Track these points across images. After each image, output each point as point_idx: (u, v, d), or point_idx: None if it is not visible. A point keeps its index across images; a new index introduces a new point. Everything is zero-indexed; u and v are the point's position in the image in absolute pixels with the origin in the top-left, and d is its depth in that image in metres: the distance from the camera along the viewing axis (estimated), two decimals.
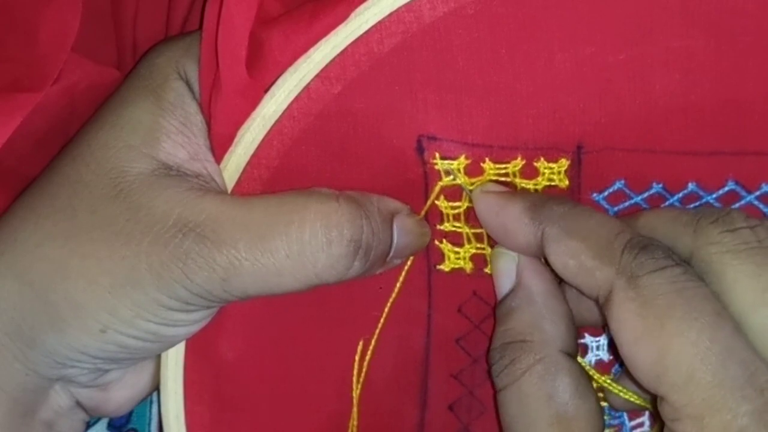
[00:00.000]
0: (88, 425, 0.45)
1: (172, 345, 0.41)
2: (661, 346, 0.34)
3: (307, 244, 0.37)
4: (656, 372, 0.34)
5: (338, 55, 0.39)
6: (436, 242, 0.41)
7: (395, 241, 0.40)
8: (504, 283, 0.40)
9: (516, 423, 0.37)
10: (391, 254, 0.40)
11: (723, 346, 0.33)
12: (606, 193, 0.40)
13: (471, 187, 0.40)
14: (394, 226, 0.40)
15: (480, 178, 0.40)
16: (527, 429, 0.37)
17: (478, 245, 0.41)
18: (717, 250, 0.36)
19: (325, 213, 0.38)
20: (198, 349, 0.41)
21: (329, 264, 0.37)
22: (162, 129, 0.40)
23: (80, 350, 0.39)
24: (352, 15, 0.38)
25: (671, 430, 0.34)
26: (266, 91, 0.39)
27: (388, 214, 0.40)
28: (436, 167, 0.40)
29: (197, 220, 0.37)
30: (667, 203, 0.40)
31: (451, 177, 0.40)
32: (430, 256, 0.42)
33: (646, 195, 0.40)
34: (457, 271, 0.42)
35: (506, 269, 0.40)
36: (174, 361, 0.41)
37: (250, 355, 0.42)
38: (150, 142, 0.39)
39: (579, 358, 0.39)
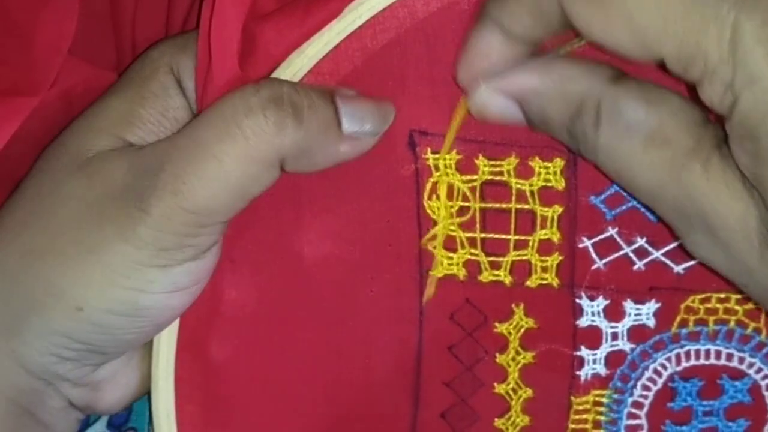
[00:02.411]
0: (88, 424, 0.45)
1: (156, 325, 0.40)
2: (626, 17, 0.32)
3: (230, 120, 0.36)
4: (640, 41, 0.32)
5: (331, 50, 0.38)
6: (429, 247, 0.41)
7: (341, 108, 0.38)
8: (513, 113, 0.37)
9: (621, 173, 0.35)
10: (344, 123, 0.38)
11: None
12: (603, 196, 0.40)
13: (462, 185, 0.40)
14: (337, 97, 0.38)
15: (472, 176, 0.40)
16: (631, 169, 0.35)
17: (472, 251, 0.41)
18: None
19: (243, 91, 0.37)
20: (189, 347, 0.41)
21: (258, 128, 0.36)
22: (138, 116, 0.40)
23: (61, 333, 0.38)
24: (346, 10, 0.38)
25: (696, 84, 0.32)
26: None
27: (325, 90, 0.38)
28: (428, 162, 0.39)
29: (146, 161, 0.37)
30: None
31: (441, 170, 0.39)
32: (422, 260, 0.41)
33: None
34: (450, 278, 0.41)
35: (501, 106, 0.37)
36: (165, 360, 0.41)
37: (242, 355, 0.42)
38: (121, 125, 0.40)
39: None
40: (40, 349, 0.39)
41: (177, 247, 0.38)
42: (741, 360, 0.42)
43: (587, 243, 0.40)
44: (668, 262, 0.40)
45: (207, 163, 0.36)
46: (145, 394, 0.43)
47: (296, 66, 0.39)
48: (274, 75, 0.39)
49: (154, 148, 0.38)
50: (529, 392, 0.42)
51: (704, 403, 0.42)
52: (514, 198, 0.40)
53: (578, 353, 0.42)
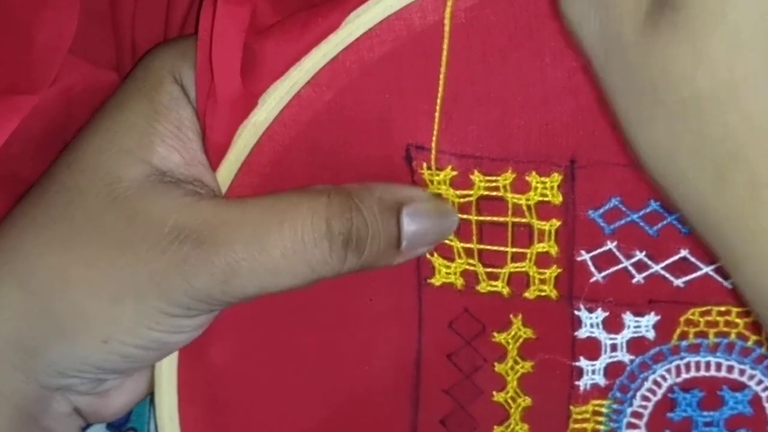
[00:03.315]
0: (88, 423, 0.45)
1: (174, 350, 0.41)
2: None
3: (299, 241, 0.37)
4: None
5: (329, 62, 0.38)
6: (427, 255, 0.41)
7: (404, 229, 0.39)
8: None
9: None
10: (404, 244, 0.39)
11: None
12: (602, 210, 0.39)
13: (457, 200, 0.39)
14: (404, 214, 0.39)
15: (467, 191, 0.39)
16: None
17: (470, 261, 0.40)
18: None
19: (315, 208, 0.38)
20: (191, 351, 0.41)
21: (322, 259, 0.37)
22: (156, 133, 0.39)
23: (83, 361, 0.39)
24: (344, 23, 0.38)
25: None
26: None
27: (393, 202, 0.39)
28: (424, 177, 0.39)
29: (193, 225, 0.37)
30: (665, 222, 0.39)
31: (434, 185, 0.39)
32: (420, 269, 0.41)
33: (642, 212, 0.39)
34: (447, 286, 0.41)
35: None
36: (168, 363, 0.41)
37: (243, 359, 0.42)
38: (144, 146, 0.39)
39: None
40: (59, 370, 0.39)
41: (209, 310, 0.39)
42: (742, 372, 0.42)
43: (586, 256, 0.40)
44: (668, 275, 0.40)
45: (267, 275, 0.37)
46: (147, 397, 0.44)
47: (294, 78, 0.38)
48: (272, 87, 0.39)
49: (205, 214, 0.38)
50: (528, 401, 0.42)
51: (704, 413, 0.42)
52: (510, 212, 0.40)
53: (577, 363, 0.42)
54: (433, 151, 0.39)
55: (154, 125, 0.39)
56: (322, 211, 0.38)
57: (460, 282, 0.41)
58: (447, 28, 0.37)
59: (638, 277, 0.40)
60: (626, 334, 0.41)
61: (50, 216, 0.39)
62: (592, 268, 0.40)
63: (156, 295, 0.37)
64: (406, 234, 0.39)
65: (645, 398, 0.42)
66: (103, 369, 0.39)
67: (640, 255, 0.40)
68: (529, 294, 0.41)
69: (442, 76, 0.38)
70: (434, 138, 0.39)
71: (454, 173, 0.39)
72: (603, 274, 0.40)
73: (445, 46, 0.37)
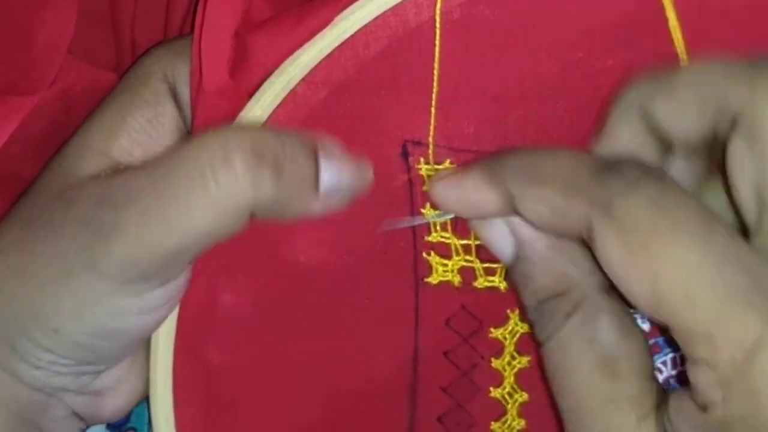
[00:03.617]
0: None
1: (135, 341, 0.40)
2: (651, 275, 0.31)
3: (205, 165, 0.35)
4: (654, 302, 0.31)
5: (324, 58, 0.38)
6: (424, 254, 0.41)
7: (320, 163, 0.37)
8: (503, 249, 0.37)
9: (559, 373, 0.35)
10: (322, 181, 0.37)
11: (717, 257, 0.30)
12: None
13: None
14: (320, 155, 0.37)
15: None
16: (571, 378, 0.34)
17: (467, 258, 0.41)
18: None
19: (223, 134, 0.36)
20: (187, 352, 0.41)
21: (232, 178, 0.35)
22: (124, 125, 0.39)
23: (46, 350, 0.38)
24: (337, 19, 0.38)
25: (688, 356, 0.31)
26: (250, 93, 0.39)
27: (310, 142, 0.37)
28: (421, 173, 0.39)
29: (111, 192, 0.37)
30: None
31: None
32: (417, 268, 0.41)
33: None
34: (445, 284, 0.41)
35: (499, 236, 0.37)
36: (163, 365, 0.41)
37: (239, 359, 0.42)
38: (108, 139, 0.39)
39: None
40: (32, 363, 0.39)
41: (142, 280, 0.37)
42: None
43: None
44: None
45: (175, 211, 0.35)
46: (146, 397, 0.43)
47: (289, 74, 0.38)
48: (267, 83, 0.39)
49: (124, 179, 0.37)
50: (525, 396, 0.42)
51: None
52: None
53: None
54: (431, 146, 0.39)
55: (126, 118, 0.40)
56: (230, 133, 0.36)
57: (457, 279, 0.41)
58: (438, 25, 0.37)
59: None
60: None
61: (15, 215, 0.40)
62: None
63: (85, 270, 0.36)
64: (324, 170, 0.37)
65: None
66: (71, 359, 0.39)
67: None
68: None
69: (436, 72, 0.38)
70: (431, 133, 0.39)
71: (453, 167, 0.39)
72: None
73: (437, 42, 0.38)
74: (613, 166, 0.32)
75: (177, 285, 0.39)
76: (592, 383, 0.34)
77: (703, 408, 0.31)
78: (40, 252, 0.38)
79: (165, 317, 0.40)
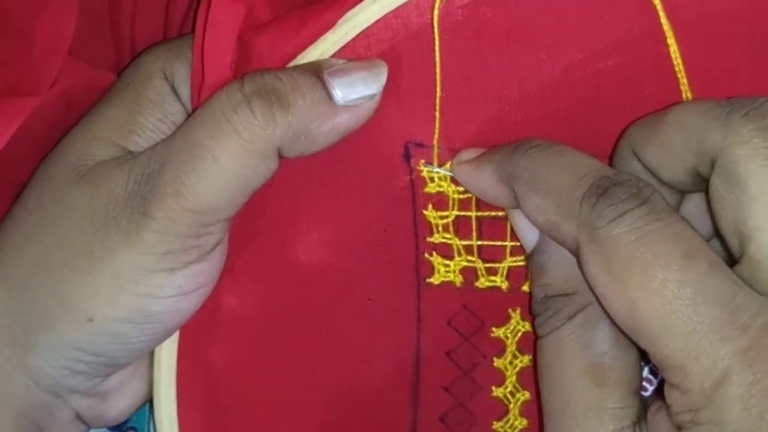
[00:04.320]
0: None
1: (166, 330, 0.40)
2: (630, 301, 0.32)
3: (220, 117, 0.37)
4: (632, 327, 0.32)
5: None
6: (426, 255, 0.41)
7: (330, 82, 0.37)
8: (527, 236, 0.38)
9: (549, 370, 0.36)
10: (338, 94, 0.38)
11: (694, 289, 0.31)
12: None
13: (457, 196, 0.40)
14: (324, 73, 0.38)
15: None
16: (560, 377, 0.35)
17: (469, 258, 0.41)
18: (744, 152, 0.32)
19: (228, 88, 0.37)
20: (190, 355, 0.41)
21: (247, 121, 0.36)
22: (138, 125, 0.40)
23: (74, 345, 0.38)
24: (340, 21, 0.38)
25: (664, 378, 0.33)
26: None
27: (310, 66, 0.38)
28: (423, 174, 0.39)
29: (145, 166, 0.38)
30: None
31: (435, 182, 0.39)
32: (419, 269, 0.41)
33: None
34: (447, 284, 0.41)
35: (525, 222, 0.37)
36: (167, 367, 0.41)
37: (242, 362, 0.42)
38: (121, 134, 0.40)
39: None
40: (53, 363, 0.39)
41: (182, 249, 0.38)
42: None
43: None
44: None
45: (204, 161, 0.37)
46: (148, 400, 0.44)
47: None
48: None
49: (151, 152, 0.38)
50: (527, 395, 0.43)
51: None
52: None
53: None
54: (435, 148, 0.39)
55: (136, 117, 0.40)
56: (234, 84, 0.37)
57: (459, 279, 0.41)
58: (436, 27, 0.38)
59: None
60: None
61: (25, 209, 0.40)
62: None
63: (127, 246, 0.37)
64: (334, 83, 0.38)
65: (642, 388, 0.42)
66: (96, 354, 0.39)
67: None
68: (527, 287, 0.41)
69: (438, 73, 0.38)
70: (436, 135, 0.39)
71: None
72: None
73: (436, 44, 0.38)
74: (607, 187, 0.33)
75: (210, 268, 0.39)
76: (579, 387, 0.35)
77: (677, 428, 0.33)
78: (67, 240, 0.38)
79: (195, 307, 0.40)
